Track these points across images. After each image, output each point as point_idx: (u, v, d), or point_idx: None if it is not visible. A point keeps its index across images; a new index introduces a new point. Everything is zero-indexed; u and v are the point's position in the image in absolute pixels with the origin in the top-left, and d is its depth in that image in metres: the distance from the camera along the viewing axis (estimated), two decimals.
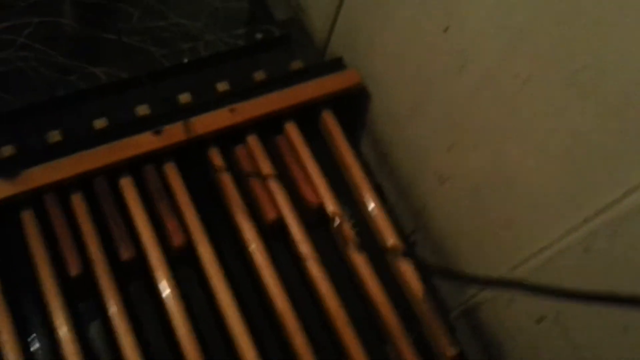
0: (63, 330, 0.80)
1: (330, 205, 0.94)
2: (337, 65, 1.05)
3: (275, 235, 0.94)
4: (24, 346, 0.80)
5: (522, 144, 0.72)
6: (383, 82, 0.99)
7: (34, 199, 0.87)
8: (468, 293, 0.90)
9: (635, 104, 0.57)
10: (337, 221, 0.93)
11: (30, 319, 0.83)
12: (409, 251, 0.94)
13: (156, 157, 0.92)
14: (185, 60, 1.03)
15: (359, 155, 1.01)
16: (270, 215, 0.92)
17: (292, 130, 0.99)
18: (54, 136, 0.91)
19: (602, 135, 0.61)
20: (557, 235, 0.71)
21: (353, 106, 1.06)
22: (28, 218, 0.86)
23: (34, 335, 0.83)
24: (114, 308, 0.82)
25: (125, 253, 0.86)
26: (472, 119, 0.80)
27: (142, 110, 0.95)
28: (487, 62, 0.74)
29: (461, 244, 0.90)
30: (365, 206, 0.96)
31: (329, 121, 1.01)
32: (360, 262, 0.92)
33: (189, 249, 0.89)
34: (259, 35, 1.10)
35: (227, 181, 0.94)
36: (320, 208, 0.95)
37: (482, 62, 0.75)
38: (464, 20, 0.76)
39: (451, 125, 0.84)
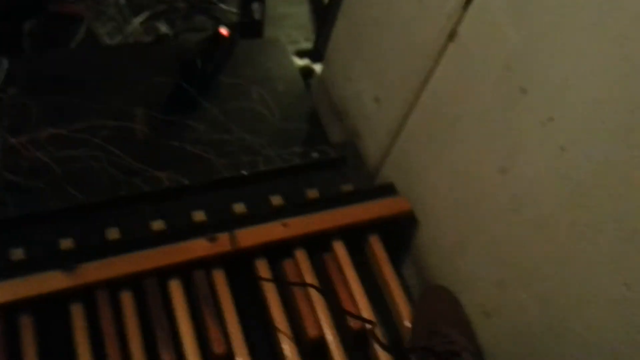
0: None
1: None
2: (388, 190, 1.08)
3: (314, 353, 0.93)
4: None
5: (576, 291, 0.72)
6: (432, 213, 1.01)
7: (85, 293, 0.89)
8: None
9: None
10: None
11: None
12: None
13: (207, 263, 0.95)
14: (245, 172, 1.08)
15: (401, 278, 1.02)
16: (312, 332, 0.92)
17: (339, 249, 1.02)
18: (113, 233, 0.94)
19: None
20: None
21: (400, 231, 1.08)
22: (77, 311, 0.88)
23: None
24: None
25: (166, 358, 0.86)
26: (523, 260, 0.81)
27: (198, 216, 0.99)
28: (544, 208, 0.76)
29: None
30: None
31: (376, 246, 1.03)
32: None
33: (228, 358, 0.88)
34: (315, 154, 1.16)
35: (272, 293, 0.95)
36: (360, 333, 0.95)
37: (539, 207, 0.77)
38: (524, 165, 0.79)
39: (501, 262, 0.86)
